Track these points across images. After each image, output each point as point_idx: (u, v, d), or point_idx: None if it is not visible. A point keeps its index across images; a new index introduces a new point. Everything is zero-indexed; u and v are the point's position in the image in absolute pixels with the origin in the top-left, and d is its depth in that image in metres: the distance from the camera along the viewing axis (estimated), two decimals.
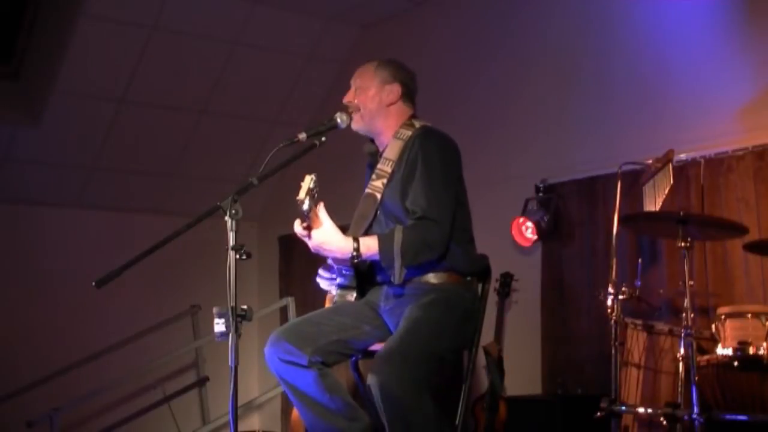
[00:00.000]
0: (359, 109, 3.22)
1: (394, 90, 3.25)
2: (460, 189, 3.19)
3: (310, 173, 2.79)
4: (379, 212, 3.20)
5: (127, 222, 6.37)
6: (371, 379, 2.80)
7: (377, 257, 3.00)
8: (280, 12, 5.97)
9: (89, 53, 5.67)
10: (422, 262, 3.03)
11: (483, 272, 3.25)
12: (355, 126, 3.26)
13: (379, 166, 3.23)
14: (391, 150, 3.21)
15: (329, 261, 3.21)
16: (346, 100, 3.27)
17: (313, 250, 3.02)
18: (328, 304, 3.32)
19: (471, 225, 3.24)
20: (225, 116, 6.42)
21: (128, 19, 5.63)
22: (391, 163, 3.19)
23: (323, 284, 3.28)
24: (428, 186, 3.06)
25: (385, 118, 3.25)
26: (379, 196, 3.19)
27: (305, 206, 2.79)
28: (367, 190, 3.25)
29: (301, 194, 2.77)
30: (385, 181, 3.18)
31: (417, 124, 3.24)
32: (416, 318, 2.96)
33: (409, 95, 3.29)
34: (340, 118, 3.10)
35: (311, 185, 2.78)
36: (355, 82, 3.29)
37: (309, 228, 2.96)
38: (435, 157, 3.11)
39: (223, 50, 6.06)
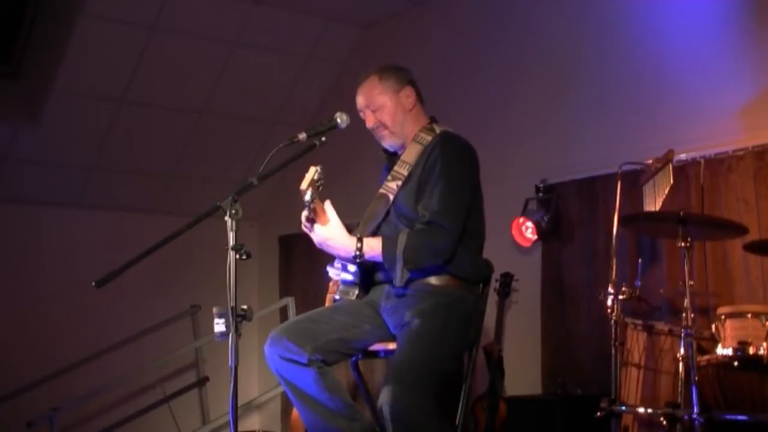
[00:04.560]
0: (387, 127, 3.20)
1: (410, 92, 3.23)
2: (476, 196, 3.18)
3: (315, 165, 2.79)
4: (390, 213, 3.19)
5: (127, 222, 6.37)
6: (383, 400, 2.79)
7: (380, 258, 3.01)
8: (280, 12, 5.97)
9: (89, 53, 5.67)
10: (425, 266, 3.03)
11: (485, 280, 3.25)
12: (387, 143, 3.25)
13: (395, 168, 3.21)
14: (409, 153, 3.20)
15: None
16: (369, 125, 3.22)
17: (317, 245, 3.04)
18: (328, 303, 3.32)
19: (484, 232, 3.23)
20: (225, 116, 6.42)
21: (128, 19, 5.63)
22: (407, 166, 3.18)
23: (332, 273, 3.27)
24: (442, 191, 3.04)
25: (410, 123, 3.22)
26: (392, 197, 3.19)
27: (307, 197, 2.78)
28: (381, 191, 3.24)
29: (304, 184, 2.77)
30: (399, 183, 3.17)
31: (438, 129, 3.22)
32: (420, 330, 2.94)
33: (419, 94, 3.28)
34: (340, 119, 3.09)
35: (315, 176, 2.77)
36: (367, 105, 3.22)
37: (312, 220, 2.96)
38: (453, 163, 3.10)
39: (223, 50, 6.06)
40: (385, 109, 3.20)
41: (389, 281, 3.13)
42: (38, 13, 5.78)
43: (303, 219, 3.01)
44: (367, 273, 3.21)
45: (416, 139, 3.21)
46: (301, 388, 3.01)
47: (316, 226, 3.01)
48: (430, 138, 3.19)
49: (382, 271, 3.14)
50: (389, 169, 3.27)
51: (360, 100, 3.24)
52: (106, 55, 5.74)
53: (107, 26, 5.60)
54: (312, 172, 2.78)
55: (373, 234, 3.19)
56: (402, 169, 3.19)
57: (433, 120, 3.29)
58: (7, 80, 5.96)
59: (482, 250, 3.24)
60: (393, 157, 3.30)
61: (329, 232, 2.99)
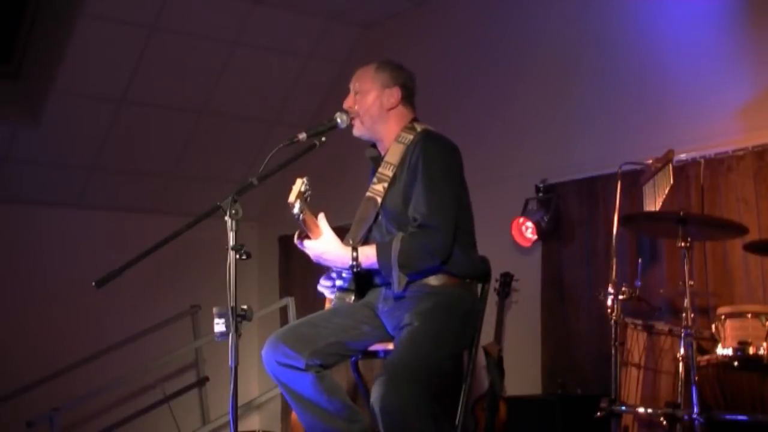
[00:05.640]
0: (359, 115, 3.21)
1: (395, 94, 3.23)
2: (462, 193, 3.18)
3: (301, 176, 2.80)
4: (379, 216, 3.19)
5: (127, 222, 6.37)
6: (374, 397, 2.78)
7: (377, 266, 3.01)
8: (280, 12, 5.97)
9: (89, 53, 5.67)
10: (423, 268, 3.03)
11: (483, 276, 3.25)
12: (357, 132, 3.24)
13: (380, 170, 3.21)
14: (392, 154, 3.19)
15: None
16: (346, 105, 3.23)
17: (314, 260, 3.06)
18: (328, 305, 3.32)
19: (473, 228, 3.23)
20: (225, 116, 6.42)
21: (128, 19, 5.64)
22: (392, 167, 3.17)
23: (325, 292, 3.29)
24: (429, 192, 3.04)
25: (387, 123, 3.22)
26: (379, 199, 3.18)
27: (296, 209, 2.80)
28: (368, 194, 3.23)
29: (291, 197, 2.78)
30: (386, 185, 3.17)
31: (419, 127, 3.22)
32: (417, 329, 2.94)
33: (409, 97, 3.27)
34: (340, 119, 3.10)
35: (302, 188, 2.78)
36: (354, 86, 3.26)
37: (305, 237, 2.98)
38: (436, 161, 3.09)
39: (223, 50, 6.06)
40: (365, 98, 3.21)
41: (385, 284, 3.12)
42: (38, 13, 5.78)
43: (295, 238, 3.03)
44: (362, 277, 3.20)
45: (398, 139, 3.20)
46: (299, 392, 3.01)
47: (308, 242, 3.02)
48: (411, 137, 3.18)
49: (378, 275, 3.14)
50: (375, 170, 3.26)
51: (352, 80, 3.28)
52: (106, 55, 5.74)
53: (107, 26, 5.60)
54: (299, 184, 2.79)
55: (365, 238, 3.19)
56: (386, 171, 3.18)
57: (414, 120, 3.28)
58: (7, 80, 5.96)
59: (475, 246, 3.23)
60: (378, 158, 3.29)
61: (324, 246, 3.00)
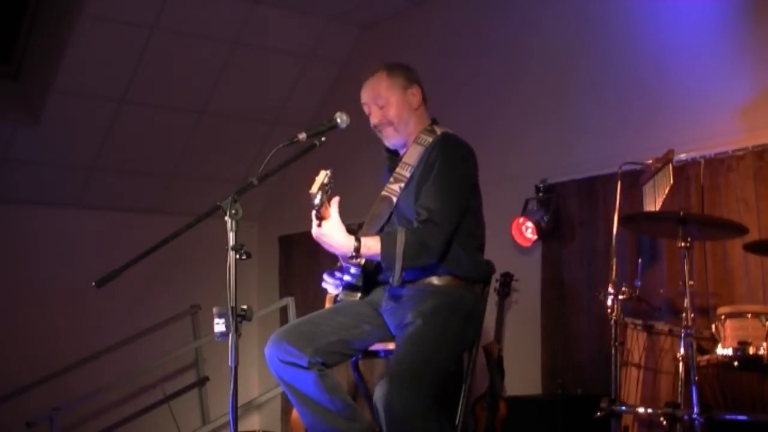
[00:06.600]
0: (392, 124, 3.19)
1: (416, 92, 3.23)
2: (473, 197, 3.18)
3: (325, 168, 2.78)
4: (393, 215, 3.19)
5: (127, 222, 6.37)
6: (378, 395, 2.79)
7: (378, 257, 3.00)
8: (280, 12, 5.97)
9: (89, 53, 5.67)
10: (420, 265, 3.04)
11: (485, 278, 3.25)
12: (391, 141, 3.23)
13: (398, 170, 3.21)
14: (410, 155, 3.19)
15: (340, 262, 3.19)
16: (374, 122, 3.21)
17: (315, 238, 3.00)
18: (328, 304, 3.32)
19: (483, 232, 3.23)
20: (225, 116, 6.42)
21: (128, 19, 5.64)
22: (409, 167, 3.17)
23: (329, 288, 3.28)
24: (439, 190, 3.05)
25: (414, 122, 3.21)
26: (395, 199, 3.19)
27: (317, 200, 2.78)
28: (384, 192, 3.24)
29: (314, 188, 2.76)
30: (402, 185, 3.17)
31: (438, 130, 3.22)
32: (419, 329, 2.95)
33: (425, 95, 3.28)
34: (340, 119, 3.09)
35: (325, 180, 2.76)
36: (375, 100, 3.20)
37: (320, 219, 2.96)
38: (451, 163, 3.09)
39: (223, 50, 6.06)
40: (391, 106, 3.18)
41: (390, 282, 3.12)
42: (38, 13, 5.78)
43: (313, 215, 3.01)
44: (368, 274, 3.20)
45: (418, 140, 3.21)
46: (301, 390, 3.01)
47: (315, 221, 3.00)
48: (430, 139, 3.18)
49: (383, 273, 3.14)
50: (391, 170, 3.26)
51: (366, 95, 3.22)
52: (106, 55, 5.74)
53: (107, 26, 5.60)
54: (322, 176, 2.77)
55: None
56: (404, 171, 3.19)
57: (434, 122, 3.28)
58: (7, 80, 5.96)
59: (482, 250, 3.23)
60: (395, 157, 3.30)
61: (327, 228, 2.95)
